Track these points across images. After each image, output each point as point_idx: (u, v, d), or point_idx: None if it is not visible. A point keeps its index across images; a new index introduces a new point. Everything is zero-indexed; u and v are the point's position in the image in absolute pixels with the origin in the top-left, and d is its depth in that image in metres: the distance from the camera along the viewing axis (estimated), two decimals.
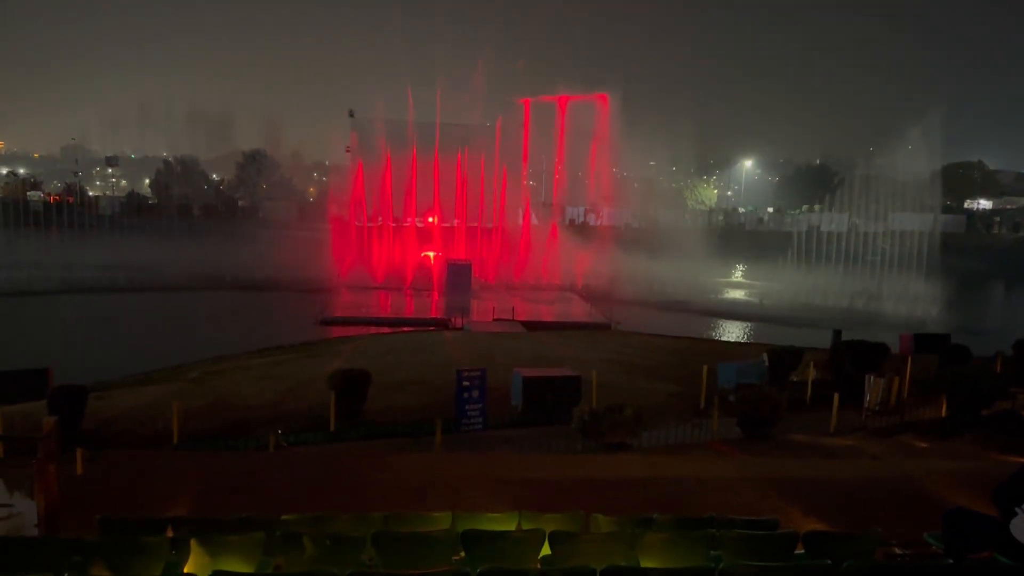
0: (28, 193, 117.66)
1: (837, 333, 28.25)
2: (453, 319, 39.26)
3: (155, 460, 15.34)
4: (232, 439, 17.91)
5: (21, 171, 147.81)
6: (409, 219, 60.14)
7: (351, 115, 66.44)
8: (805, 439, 18.65)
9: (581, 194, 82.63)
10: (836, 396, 19.94)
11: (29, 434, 13.03)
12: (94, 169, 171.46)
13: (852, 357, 25.01)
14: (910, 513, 10.48)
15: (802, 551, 6.98)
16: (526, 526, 7.31)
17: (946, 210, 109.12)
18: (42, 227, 72.16)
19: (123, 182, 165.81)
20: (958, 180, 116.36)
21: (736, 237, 77.96)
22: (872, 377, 21.58)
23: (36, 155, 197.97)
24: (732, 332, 43.76)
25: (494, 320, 38.87)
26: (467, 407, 19.44)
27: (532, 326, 37.91)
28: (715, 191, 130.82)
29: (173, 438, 17.37)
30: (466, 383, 19.44)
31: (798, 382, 23.83)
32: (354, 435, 18.61)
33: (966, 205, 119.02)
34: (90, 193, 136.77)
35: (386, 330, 36.34)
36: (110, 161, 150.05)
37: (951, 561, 6.57)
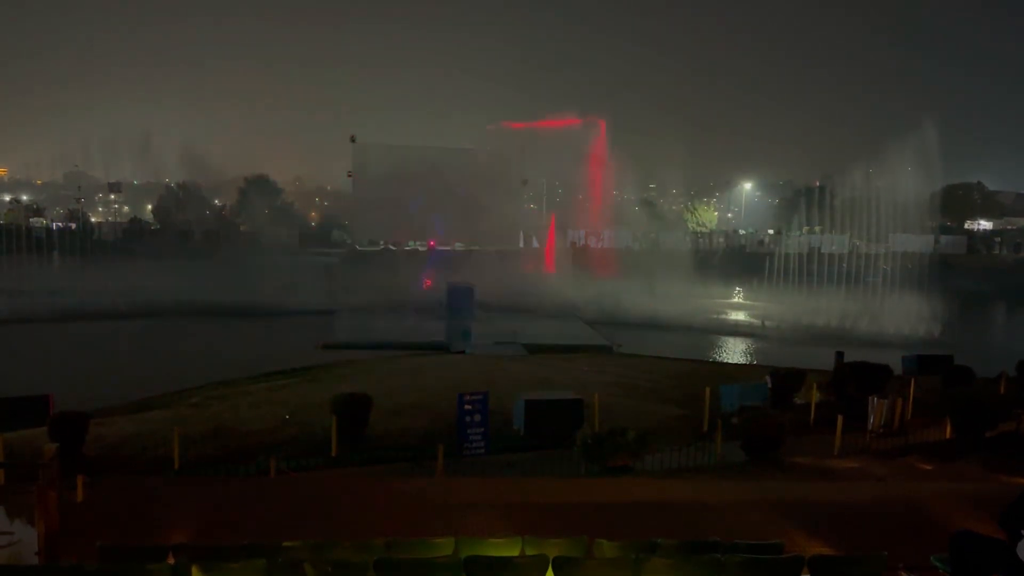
0: (31, 220, 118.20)
1: (840, 355, 28.16)
2: (454, 342, 39.22)
3: (156, 486, 15.27)
4: (233, 465, 17.83)
5: (24, 198, 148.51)
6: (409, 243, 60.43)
7: (353, 140, 66.96)
8: (809, 461, 18.55)
9: (582, 216, 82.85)
10: (840, 418, 19.84)
11: (30, 461, 12.98)
12: (96, 195, 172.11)
13: (855, 379, 24.96)
14: (916, 535, 10.40)
15: (808, 575, 6.93)
16: (529, 551, 7.26)
17: (946, 231, 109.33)
18: (45, 253, 72.41)
19: (125, 208, 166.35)
20: (958, 201, 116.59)
21: (737, 259, 78.06)
22: (875, 399, 21.50)
23: (39, 182, 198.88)
24: (734, 354, 43.65)
25: (495, 343, 38.82)
26: (469, 431, 19.35)
27: (533, 349, 37.85)
28: (716, 213, 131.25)
29: (174, 464, 17.29)
30: (468, 407, 19.34)
31: (801, 404, 23.74)
32: (356, 460, 18.51)
33: (967, 226, 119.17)
34: (92, 219, 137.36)
35: (387, 354, 36.25)
36: (112, 187, 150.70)
37: None
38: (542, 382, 26.22)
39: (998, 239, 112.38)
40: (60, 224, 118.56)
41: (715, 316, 55.36)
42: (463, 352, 36.91)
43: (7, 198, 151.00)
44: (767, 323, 51.85)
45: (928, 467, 18.26)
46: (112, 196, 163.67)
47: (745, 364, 38.87)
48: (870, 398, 21.59)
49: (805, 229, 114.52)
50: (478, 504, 12.47)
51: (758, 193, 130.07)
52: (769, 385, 24.65)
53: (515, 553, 7.31)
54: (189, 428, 19.85)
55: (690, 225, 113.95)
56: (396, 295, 54.44)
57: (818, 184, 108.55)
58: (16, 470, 14.17)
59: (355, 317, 48.94)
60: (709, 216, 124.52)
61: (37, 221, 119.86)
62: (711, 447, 19.04)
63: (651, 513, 12.33)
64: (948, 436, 20.49)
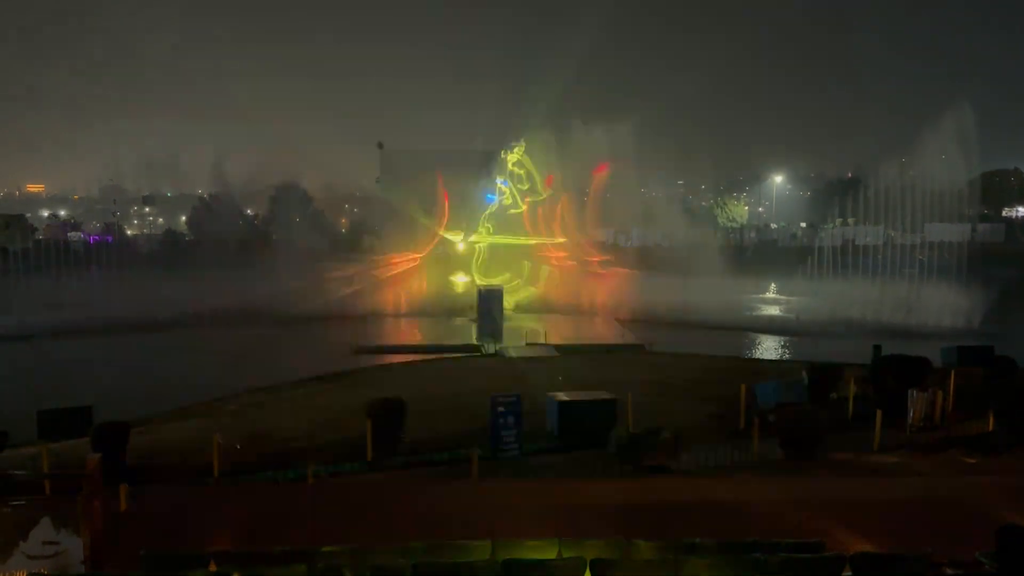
0: (68, 234, 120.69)
1: (877, 348, 27.76)
2: (485, 344, 39.27)
3: (196, 494, 15.50)
4: (272, 471, 18.05)
5: (62, 213, 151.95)
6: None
7: (380, 146, 67.36)
8: (849, 458, 18.33)
9: (610, 216, 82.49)
10: (879, 413, 19.56)
11: (74, 471, 13.24)
12: (132, 208, 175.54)
13: (893, 372, 24.56)
14: (961, 531, 10.20)
15: (850, 573, 6.83)
16: (567, 554, 7.26)
17: (984, 219, 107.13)
18: (83, 267, 73.77)
19: (160, 220, 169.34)
20: (995, 188, 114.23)
21: (769, 253, 77.29)
22: (915, 392, 21.15)
23: (76, 197, 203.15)
24: (770, 350, 43.20)
25: (526, 344, 38.80)
26: (503, 433, 19.41)
27: (565, 349, 37.78)
28: (746, 208, 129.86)
29: (214, 471, 17.53)
30: (501, 409, 19.42)
31: (839, 399, 23.43)
32: (392, 464, 18.68)
33: (1004, 213, 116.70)
34: (128, 232, 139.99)
35: (420, 357, 36.44)
36: (147, 200, 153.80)
37: None
38: (574, 382, 26.17)
39: None
40: (97, 238, 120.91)
41: (749, 312, 54.83)
42: (495, 354, 36.97)
43: (45, 214, 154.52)
44: (802, 317, 51.23)
45: (971, 461, 17.93)
46: (147, 209, 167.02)
47: (781, 360, 38.44)
48: (909, 391, 21.24)
49: (839, 221, 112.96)
50: (514, 506, 12.49)
51: (789, 186, 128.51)
52: (806, 381, 24.38)
53: (552, 555, 7.31)
54: (228, 435, 20.10)
55: (720, 220, 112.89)
56: (427, 299, 54.79)
57: (851, 175, 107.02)
58: (61, 481, 14.49)
59: (387, 322, 49.30)
60: (739, 211, 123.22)
61: (75, 236, 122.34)
62: (748, 445, 18.88)
63: (688, 513, 12.26)
64: (991, 429, 20.08)
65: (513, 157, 56.78)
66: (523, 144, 56.76)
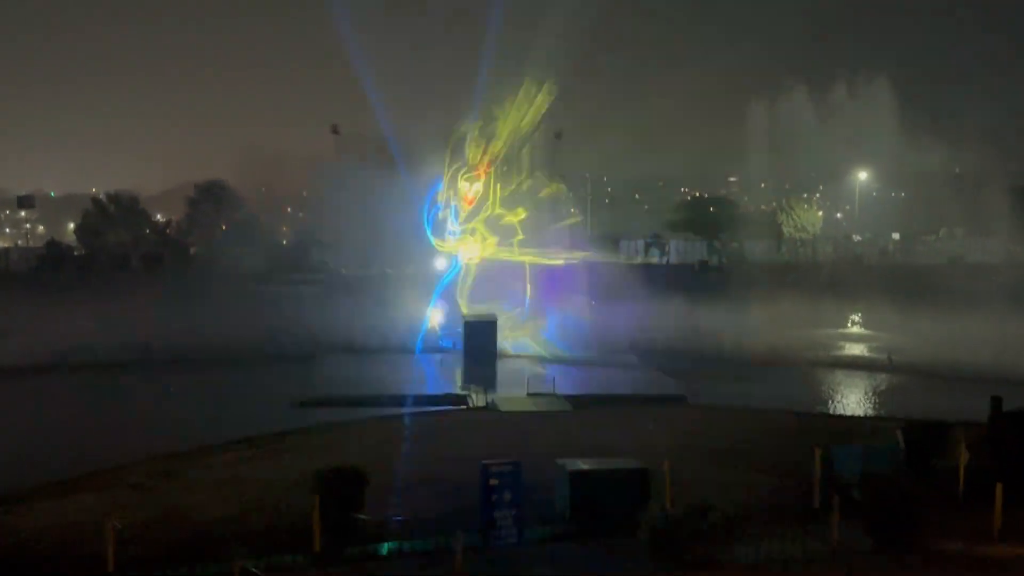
0: None
1: (996, 401, 27.78)
2: (473, 394, 39.26)
3: None
4: (186, 565, 17.94)
5: None
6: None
7: (335, 131, 67.66)
8: (959, 548, 18.35)
9: (639, 223, 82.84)
10: (999, 487, 19.56)
11: None
12: (3, 213, 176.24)
13: (1018, 433, 24.58)
14: None
15: None
16: None
17: None
18: None
19: (40, 228, 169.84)
20: None
21: (851, 273, 77.65)
22: None
23: None
24: (852, 403, 43.27)
25: (528, 394, 38.77)
26: (496, 513, 19.36)
27: (580, 401, 37.75)
28: (820, 213, 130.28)
29: (108, 566, 17.44)
30: (494, 481, 19.40)
31: (946, 469, 23.46)
32: (347, 556, 18.60)
33: None
34: None
35: (385, 412, 36.38)
36: (23, 202, 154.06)
37: None
38: (592, 446, 26.19)
39: None
40: None
41: (824, 352, 54.95)
42: (485, 407, 36.96)
43: None
44: (895, 359, 51.32)
45: None
46: (23, 213, 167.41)
47: (868, 416, 38.48)
48: None
49: (942, 232, 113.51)
50: None
51: (877, 186, 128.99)
52: (901, 444, 24.41)
53: None
54: (128, 516, 20.03)
55: (786, 229, 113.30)
56: (395, 334, 54.80)
57: (958, 171, 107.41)
58: None
59: (342, 364, 49.16)
60: (811, 217, 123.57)
61: None
62: (825, 530, 18.86)
63: None
64: None
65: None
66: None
